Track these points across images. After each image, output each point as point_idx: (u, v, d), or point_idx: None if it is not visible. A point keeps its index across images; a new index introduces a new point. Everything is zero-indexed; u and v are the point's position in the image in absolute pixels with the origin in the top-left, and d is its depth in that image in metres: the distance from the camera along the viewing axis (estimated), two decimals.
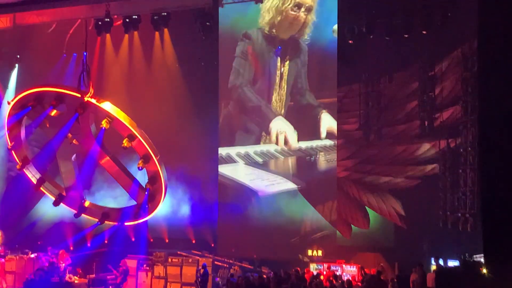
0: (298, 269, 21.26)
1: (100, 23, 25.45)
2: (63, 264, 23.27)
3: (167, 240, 26.27)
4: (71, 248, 25.59)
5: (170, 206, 24.92)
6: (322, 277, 20.92)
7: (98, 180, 24.92)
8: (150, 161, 21.36)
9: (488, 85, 16.59)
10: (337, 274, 21.25)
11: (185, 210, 25.50)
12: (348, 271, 21.84)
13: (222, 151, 25.00)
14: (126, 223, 23.13)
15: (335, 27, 22.93)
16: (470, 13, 19.74)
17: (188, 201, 25.46)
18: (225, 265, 24.36)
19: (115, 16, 25.52)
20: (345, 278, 21.27)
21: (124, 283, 23.12)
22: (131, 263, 23.82)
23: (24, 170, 23.28)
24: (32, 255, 24.59)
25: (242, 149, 24.32)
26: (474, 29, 19.72)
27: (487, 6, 16.24)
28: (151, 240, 26.03)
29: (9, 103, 22.47)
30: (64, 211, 24.04)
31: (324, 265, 22.04)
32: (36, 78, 26.06)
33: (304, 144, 23.73)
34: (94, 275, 23.90)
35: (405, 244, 22.79)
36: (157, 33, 26.16)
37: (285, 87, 23.74)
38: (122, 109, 21.54)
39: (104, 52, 27.12)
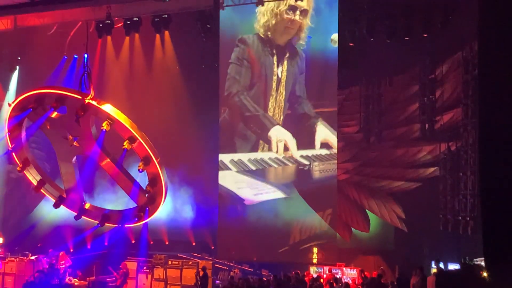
0: (298, 271, 21.24)
1: (101, 25, 25.50)
2: (63, 266, 23.27)
3: (167, 243, 26.26)
4: (71, 250, 25.59)
5: (170, 208, 24.93)
6: (322, 280, 20.91)
7: (102, 182, 24.90)
8: (150, 163, 21.42)
9: (489, 88, 16.53)
10: (337, 277, 21.23)
11: (185, 212, 25.49)
12: (348, 274, 21.81)
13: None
14: (126, 225, 23.17)
15: (334, 36, 22.84)
16: (470, 16, 19.73)
17: (188, 204, 25.45)
18: (225, 267, 24.34)
19: (116, 18, 25.54)
20: (345, 281, 21.26)
21: (124, 286, 23.10)
22: (131, 265, 23.80)
23: (24, 172, 23.34)
24: (32, 257, 24.58)
25: (236, 156, 24.23)
26: (474, 32, 19.70)
27: (487, 9, 16.20)
28: (151, 242, 25.99)
29: (10, 105, 22.51)
30: (64, 213, 24.07)
31: (324, 268, 22.02)
32: (37, 80, 26.07)
33: (299, 153, 23.51)
34: (94, 277, 23.89)
35: (405, 247, 22.78)
36: (157, 35, 26.18)
37: (283, 93, 23.68)
38: (123, 111, 21.59)
39: (105, 54, 27.13)
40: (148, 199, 22.35)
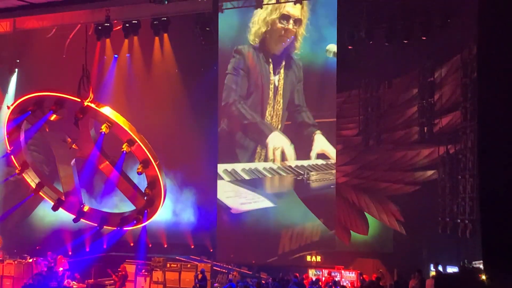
0: (297, 274, 21.24)
1: (100, 28, 25.49)
2: (62, 269, 23.24)
3: (165, 245, 26.25)
4: (70, 253, 25.58)
5: (169, 211, 24.92)
6: (321, 283, 20.91)
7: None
8: (149, 166, 21.41)
9: (488, 91, 16.54)
10: (336, 280, 21.23)
11: (184, 215, 25.48)
12: (347, 277, 21.82)
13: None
14: (125, 228, 23.15)
15: (329, 46, 22.86)
16: (469, 19, 19.76)
17: (187, 206, 25.45)
18: (223, 270, 24.33)
19: (115, 21, 25.54)
20: (344, 284, 21.27)
21: None
22: (130, 268, 23.79)
23: (23, 175, 23.31)
24: (31, 260, 24.55)
25: (231, 166, 24.22)
26: (473, 35, 19.74)
27: (486, 12, 16.22)
28: (150, 245, 25.99)
29: (8, 108, 22.50)
30: (63, 216, 24.04)
31: (323, 271, 22.01)
32: (36, 83, 26.06)
33: (294, 163, 23.52)
34: (92, 280, 23.87)
35: (404, 250, 22.78)
36: (156, 38, 26.17)
37: (281, 101, 23.68)
38: (122, 113, 21.59)
39: (103, 57, 27.14)
40: (147, 202, 22.34)
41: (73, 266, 23.78)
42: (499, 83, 15.50)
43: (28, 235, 27.02)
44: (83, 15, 25.67)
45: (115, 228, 23.29)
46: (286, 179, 23.59)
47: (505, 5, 15.22)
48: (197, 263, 24.37)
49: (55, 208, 23.30)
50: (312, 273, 22.13)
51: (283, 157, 23.64)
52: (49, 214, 24.92)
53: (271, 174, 23.74)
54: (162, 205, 22.40)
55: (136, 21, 25.47)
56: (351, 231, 23.96)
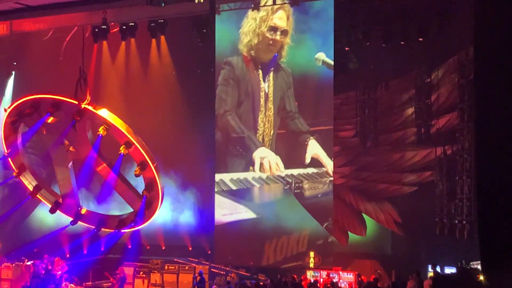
0: (295, 276, 21.23)
1: (97, 30, 25.50)
2: (60, 272, 23.19)
3: (163, 247, 26.23)
4: (68, 255, 25.52)
5: (166, 213, 24.90)
6: (319, 285, 20.89)
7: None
8: (147, 168, 21.38)
9: (484, 92, 16.62)
10: (334, 281, 21.22)
11: (181, 217, 25.48)
12: (345, 278, 21.80)
13: None
14: (123, 230, 23.12)
15: (318, 55, 22.90)
16: (466, 20, 19.81)
17: (185, 208, 25.45)
18: (221, 272, 24.29)
19: (112, 23, 25.55)
20: (342, 285, 21.27)
21: None
22: (128, 270, 23.74)
23: (20, 177, 23.28)
24: (28, 263, 24.50)
25: (219, 176, 24.24)
26: (470, 36, 19.78)
27: (483, 13, 16.29)
28: (148, 247, 26.00)
29: (5, 110, 22.47)
30: (61, 218, 24.01)
31: (321, 272, 22.01)
32: (33, 85, 26.04)
33: (284, 173, 23.47)
34: (90, 283, 23.84)
35: (402, 251, 22.81)
36: (153, 40, 26.19)
37: (272, 108, 23.73)
38: (119, 116, 21.57)
39: (101, 59, 27.14)
40: (145, 204, 22.31)
41: (71, 269, 23.73)
42: (496, 84, 15.57)
43: (25, 237, 26.95)
44: (80, 18, 25.68)
45: (112, 230, 23.26)
46: (275, 188, 23.56)
47: (501, 7, 15.28)
48: (195, 265, 24.35)
49: (52, 211, 23.26)
50: (310, 275, 22.11)
51: (271, 168, 23.64)
52: (47, 217, 24.88)
53: (259, 184, 23.73)
54: (160, 207, 22.37)
55: (133, 23, 25.50)
56: (349, 232, 23.97)
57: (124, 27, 25.59)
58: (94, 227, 23.17)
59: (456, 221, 21.24)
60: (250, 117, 24.01)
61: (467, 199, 20.92)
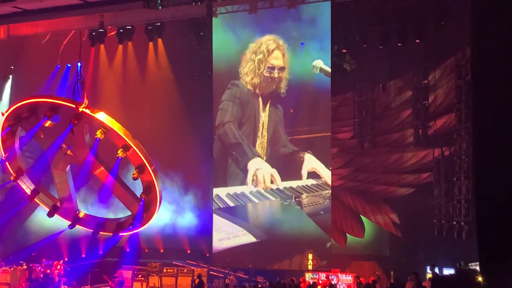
0: (294, 278, 21.22)
1: (94, 33, 25.52)
2: (58, 276, 23.17)
3: (162, 250, 26.22)
4: (66, 259, 25.50)
5: (165, 216, 24.88)
6: (318, 287, 20.88)
7: None
8: (145, 171, 21.40)
9: (482, 93, 16.58)
10: (333, 283, 21.21)
11: (180, 220, 25.46)
12: (344, 280, 21.79)
13: None
14: (121, 234, 23.11)
15: (315, 62, 22.90)
16: (463, 21, 19.80)
17: (183, 211, 25.43)
18: (220, 275, 24.31)
19: (109, 27, 25.56)
20: (341, 287, 21.27)
21: None
22: (126, 273, 23.72)
23: (18, 181, 23.27)
24: (26, 267, 24.46)
25: (214, 192, 24.12)
26: (467, 38, 19.75)
27: (480, 14, 16.27)
28: (146, 250, 25.98)
29: (3, 114, 22.46)
30: (59, 222, 23.99)
31: (320, 274, 22.00)
32: (30, 89, 26.05)
33: (282, 185, 23.36)
34: (89, 286, 23.82)
35: (400, 252, 22.81)
36: (151, 43, 26.20)
37: (266, 135, 23.82)
38: (117, 119, 21.58)
39: (98, 63, 27.14)
40: (143, 207, 22.30)
41: (70, 273, 23.72)
42: (493, 85, 15.54)
43: (24, 241, 26.92)
44: (77, 21, 25.67)
45: (111, 234, 23.26)
46: (274, 204, 23.45)
47: (498, 8, 15.27)
48: (193, 268, 24.37)
49: (50, 215, 23.25)
50: (309, 277, 22.11)
51: (265, 181, 23.58)
52: (45, 221, 24.85)
53: (258, 199, 23.61)
54: (158, 210, 22.37)
55: (130, 27, 25.53)
56: (347, 234, 23.98)
57: (121, 30, 25.61)
58: (92, 230, 23.15)
59: (454, 222, 21.25)
60: (251, 139, 24.05)
61: (465, 200, 20.94)
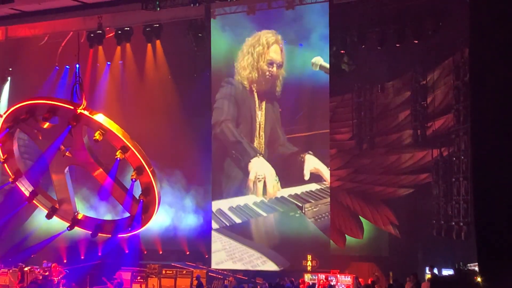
0: (293, 279, 21.23)
1: (92, 35, 25.54)
2: (57, 278, 23.14)
3: (161, 252, 26.20)
4: (65, 261, 25.47)
5: (163, 218, 24.87)
6: None
7: None
8: (143, 173, 21.35)
9: (480, 93, 16.58)
10: (332, 284, 21.22)
11: (179, 221, 25.44)
12: (343, 281, 21.80)
13: None
14: (120, 235, 23.09)
15: (314, 59, 22.92)
16: (461, 22, 19.81)
17: (182, 212, 25.42)
18: (219, 276, 24.29)
19: (107, 28, 25.57)
20: None
21: None
22: (125, 275, 23.72)
23: (16, 183, 23.23)
24: (26, 269, 24.43)
25: (215, 205, 24.07)
26: (465, 38, 19.77)
27: (478, 15, 16.27)
28: (145, 252, 25.96)
29: (1, 116, 22.44)
30: (57, 224, 23.96)
31: (319, 275, 22.01)
32: (29, 90, 26.03)
33: (287, 192, 23.31)
34: None
35: (399, 253, 22.80)
36: (149, 45, 26.20)
37: (263, 135, 23.80)
38: (115, 120, 21.54)
39: (96, 64, 27.13)
40: (142, 209, 22.27)
41: (68, 274, 23.69)
42: (491, 85, 15.54)
43: (22, 243, 26.89)
44: (75, 23, 25.69)
45: (109, 236, 23.23)
46: (280, 215, 23.41)
47: (496, 8, 15.28)
48: (192, 269, 24.35)
49: (49, 216, 23.20)
50: (308, 278, 22.12)
51: (265, 190, 23.55)
52: (43, 223, 24.82)
53: (264, 210, 23.53)
54: (157, 211, 22.35)
55: (128, 28, 25.54)
56: (346, 235, 23.97)
57: (119, 32, 25.63)
58: (91, 232, 23.12)
59: (453, 223, 21.26)
60: (248, 139, 24.02)
61: (463, 200, 20.95)
